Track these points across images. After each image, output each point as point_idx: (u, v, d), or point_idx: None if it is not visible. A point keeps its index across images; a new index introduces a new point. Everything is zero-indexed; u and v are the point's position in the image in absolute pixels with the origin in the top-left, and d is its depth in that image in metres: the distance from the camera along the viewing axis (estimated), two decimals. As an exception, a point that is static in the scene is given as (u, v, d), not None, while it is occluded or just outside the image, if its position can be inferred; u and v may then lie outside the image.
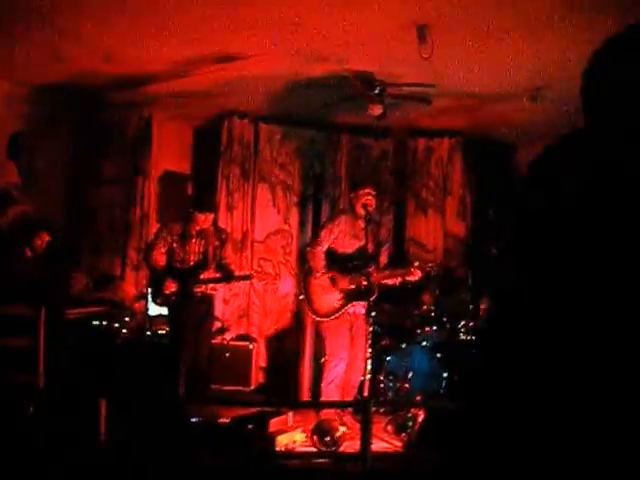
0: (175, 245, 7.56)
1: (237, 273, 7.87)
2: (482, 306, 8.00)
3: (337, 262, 7.27)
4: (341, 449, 6.34)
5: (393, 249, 9.81)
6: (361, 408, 6.32)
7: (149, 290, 7.85)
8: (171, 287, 7.40)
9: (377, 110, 7.88)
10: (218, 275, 7.60)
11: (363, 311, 7.28)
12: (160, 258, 7.53)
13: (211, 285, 7.56)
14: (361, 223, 7.30)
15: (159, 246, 7.56)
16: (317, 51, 7.12)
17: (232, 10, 6.18)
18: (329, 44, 6.93)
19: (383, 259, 7.45)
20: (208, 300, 7.70)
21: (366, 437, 5.86)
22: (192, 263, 7.55)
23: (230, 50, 7.18)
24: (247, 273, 8.23)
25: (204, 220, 7.57)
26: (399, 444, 6.58)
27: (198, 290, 7.46)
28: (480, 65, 7.36)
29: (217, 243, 7.66)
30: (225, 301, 9.32)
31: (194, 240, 7.59)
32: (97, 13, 6.36)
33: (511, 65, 7.32)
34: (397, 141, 10.13)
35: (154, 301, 7.57)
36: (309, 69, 7.60)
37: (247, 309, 9.50)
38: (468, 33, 6.54)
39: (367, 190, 7.31)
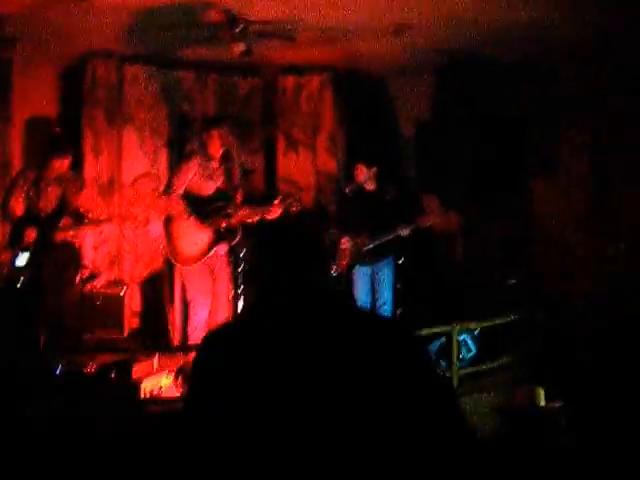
0: (32, 192, 7.33)
1: (97, 217, 7.69)
2: (342, 245, 7.89)
3: (195, 205, 7.14)
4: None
5: (265, 188, 9.74)
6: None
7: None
8: (30, 235, 7.20)
9: (239, 48, 7.71)
10: (76, 221, 7.42)
11: (223, 252, 7.20)
12: (18, 207, 7.30)
13: (72, 232, 7.39)
14: (214, 163, 7.18)
15: (16, 194, 7.32)
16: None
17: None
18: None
19: (239, 197, 7.32)
20: (70, 247, 7.53)
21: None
22: (50, 210, 7.36)
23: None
24: (107, 217, 8.07)
25: (60, 165, 7.35)
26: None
27: (58, 237, 7.28)
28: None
29: (74, 189, 7.48)
30: (94, 247, 9.07)
31: (51, 187, 7.38)
32: None
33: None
34: (266, 79, 9.98)
35: (12, 250, 7.36)
36: (164, 5, 7.37)
37: (118, 255, 9.27)
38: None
39: (219, 129, 7.16)
